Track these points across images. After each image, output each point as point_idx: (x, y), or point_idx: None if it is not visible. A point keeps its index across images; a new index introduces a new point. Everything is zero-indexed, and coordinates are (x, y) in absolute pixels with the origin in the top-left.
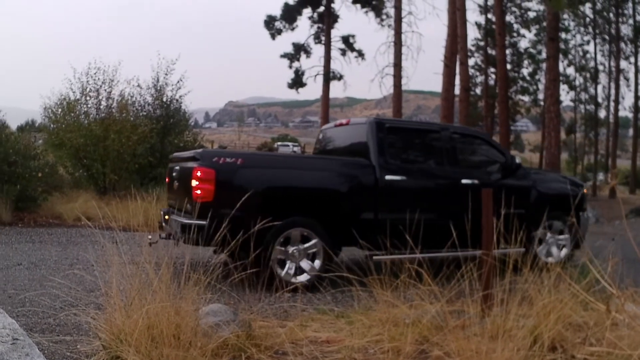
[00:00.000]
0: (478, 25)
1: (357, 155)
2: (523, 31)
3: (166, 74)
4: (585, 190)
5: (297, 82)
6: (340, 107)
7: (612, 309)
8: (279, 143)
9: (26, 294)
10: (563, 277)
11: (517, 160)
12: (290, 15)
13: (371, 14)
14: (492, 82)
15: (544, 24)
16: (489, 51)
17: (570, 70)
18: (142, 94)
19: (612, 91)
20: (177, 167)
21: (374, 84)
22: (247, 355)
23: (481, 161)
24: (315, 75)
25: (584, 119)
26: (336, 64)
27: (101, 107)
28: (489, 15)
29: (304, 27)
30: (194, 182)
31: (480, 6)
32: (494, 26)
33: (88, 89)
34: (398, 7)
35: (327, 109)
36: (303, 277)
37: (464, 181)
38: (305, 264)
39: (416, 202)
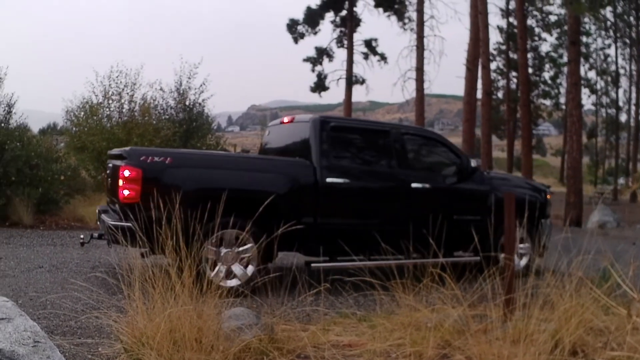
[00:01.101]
0: (500, 29)
1: (300, 155)
2: (544, 35)
3: (189, 78)
4: (548, 196)
5: (320, 86)
6: (363, 111)
7: (633, 314)
8: None
9: (47, 297)
10: (584, 282)
11: (473, 164)
12: (312, 19)
13: (393, 18)
14: (513, 86)
15: (565, 27)
16: (511, 55)
17: (592, 74)
18: (165, 97)
19: (633, 95)
20: (110, 165)
21: (397, 87)
22: (269, 359)
23: (435, 164)
24: (338, 79)
25: (605, 123)
26: (358, 68)
27: (123, 110)
28: (511, 19)
29: (327, 31)
30: (120, 182)
31: (501, 10)
32: (515, 30)
33: (110, 92)
34: (420, 11)
35: (350, 113)
36: (233, 282)
37: (414, 185)
38: (237, 268)
39: (360, 207)
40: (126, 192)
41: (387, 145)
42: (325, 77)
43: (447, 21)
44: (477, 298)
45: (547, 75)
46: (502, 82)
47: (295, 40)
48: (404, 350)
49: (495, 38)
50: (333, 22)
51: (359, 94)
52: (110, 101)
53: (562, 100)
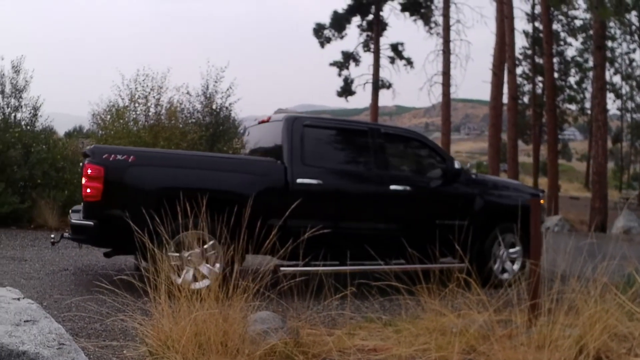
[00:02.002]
0: (525, 33)
1: (275, 156)
2: (570, 39)
3: (216, 82)
4: (542, 201)
5: (346, 90)
6: (389, 116)
7: None
8: None
9: (73, 299)
10: (609, 287)
11: (457, 166)
12: (339, 23)
13: (420, 22)
14: (539, 91)
15: (591, 32)
16: (537, 60)
17: (617, 79)
18: (192, 101)
19: None
20: (81, 164)
21: (423, 92)
22: None
23: (416, 165)
24: (365, 84)
25: (630, 128)
26: (385, 72)
27: (150, 113)
28: (536, 24)
29: (353, 36)
30: (83, 180)
31: (527, 14)
32: (541, 34)
33: (137, 96)
34: (446, 15)
35: (376, 117)
36: (204, 283)
37: (392, 187)
38: (205, 268)
39: (333, 209)
40: (88, 190)
41: (365, 145)
42: (352, 81)
43: (473, 25)
44: (502, 303)
45: (572, 80)
46: (528, 87)
47: (322, 45)
48: (429, 355)
49: (521, 42)
50: (359, 26)
51: (386, 99)
52: (137, 104)
53: (588, 105)
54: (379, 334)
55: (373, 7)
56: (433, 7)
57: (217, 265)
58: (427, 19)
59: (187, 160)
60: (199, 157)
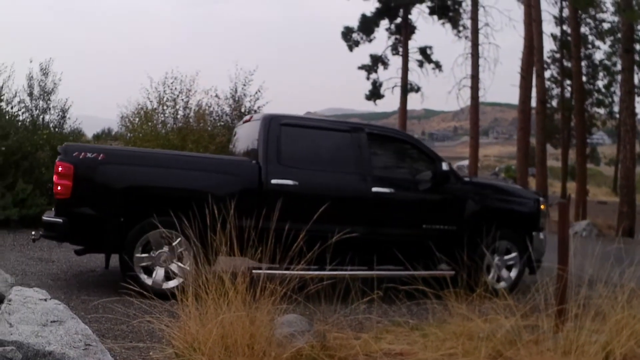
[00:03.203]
0: (554, 37)
1: (253, 155)
2: (598, 43)
3: (244, 85)
4: (542, 207)
5: (375, 93)
6: (418, 119)
7: None
8: None
9: (100, 300)
10: (636, 293)
11: (445, 168)
12: (367, 26)
13: (448, 26)
14: (568, 95)
15: (619, 35)
16: (565, 63)
17: None
18: (220, 104)
19: None
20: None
21: (451, 95)
22: None
23: (402, 167)
24: (393, 87)
25: None
26: (413, 76)
27: (178, 116)
28: (564, 27)
29: (382, 39)
30: (54, 178)
31: (555, 18)
32: (569, 38)
33: (165, 99)
34: (475, 19)
35: (405, 121)
36: (174, 282)
37: (375, 189)
38: (175, 267)
39: (310, 212)
40: (59, 188)
41: (347, 145)
42: (381, 84)
43: (501, 29)
44: (529, 308)
45: (601, 83)
46: (556, 91)
47: (350, 48)
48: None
49: (549, 46)
50: (388, 29)
51: (414, 102)
52: (165, 107)
53: (616, 109)
54: (405, 338)
55: (401, 10)
56: (461, 11)
57: (189, 262)
58: (455, 22)
59: (158, 159)
60: (169, 156)
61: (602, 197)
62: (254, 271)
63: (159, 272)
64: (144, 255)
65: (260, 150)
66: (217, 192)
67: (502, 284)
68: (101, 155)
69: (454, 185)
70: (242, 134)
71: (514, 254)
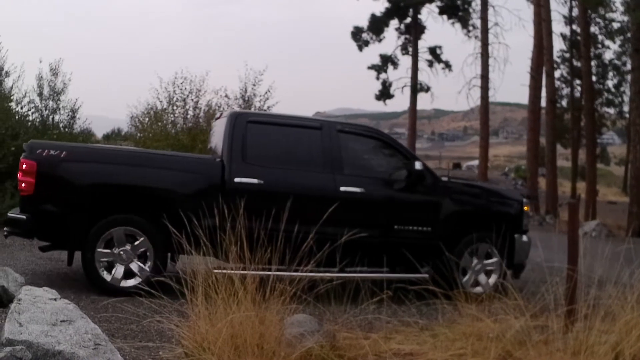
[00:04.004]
0: (563, 36)
1: (219, 153)
2: (608, 42)
3: (254, 85)
4: (526, 208)
5: (385, 93)
6: (428, 119)
7: None
8: None
9: (109, 300)
10: None
11: (419, 167)
12: (377, 26)
13: (458, 25)
14: (577, 94)
15: (629, 35)
16: (575, 63)
17: None
18: (230, 104)
19: None
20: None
21: (461, 95)
22: None
23: (374, 166)
24: (403, 87)
25: None
26: (423, 76)
27: (188, 116)
28: (574, 27)
29: (391, 39)
30: (19, 175)
31: (565, 17)
32: (579, 37)
33: (175, 99)
34: (484, 18)
35: (415, 120)
36: (132, 281)
37: (343, 189)
38: (135, 266)
39: (274, 211)
40: (23, 185)
41: (317, 143)
42: (390, 84)
43: (511, 29)
44: (539, 309)
45: (610, 83)
46: (566, 90)
47: (360, 48)
48: None
49: (559, 46)
50: (397, 29)
51: (424, 102)
52: (175, 107)
53: (626, 108)
54: (415, 339)
55: (411, 10)
56: (471, 10)
57: (149, 263)
58: (465, 22)
59: (120, 156)
60: (131, 154)
61: (612, 197)
62: (215, 271)
63: (119, 270)
64: (105, 250)
65: (225, 148)
66: (179, 190)
67: (479, 289)
68: (64, 152)
69: (430, 184)
70: (214, 132)
71: (494, 259)
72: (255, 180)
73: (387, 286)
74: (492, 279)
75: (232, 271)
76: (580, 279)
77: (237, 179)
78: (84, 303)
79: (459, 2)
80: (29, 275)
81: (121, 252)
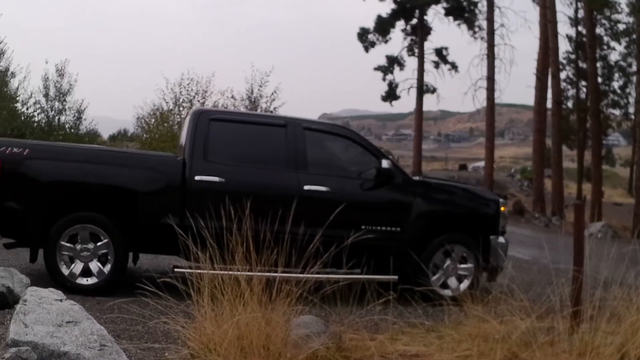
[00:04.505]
0: (569, 38)
1: (183, 151)
2: (613, 44)
3: (260, 86)
4: (502, 208)
5: (391, 94)
6: (434, 120)
7: None
8: None
9: (115, 301)
10: None
11: (386, 165)
12: (383, 27)
13: (464, 26)
14: (583, 96)
15: (634, 36)
16: (580, 64)
17: None
18: (236, 105)
19: None
20: None
21: (467, 97)
22: None
23: (341, 164)
24: (409, 88)
25: None
26: (429, 77)
27: None
28: (580, 28)
29: (397, 40)
30: None
31: (570, 19)
32: (584, 39)
33: (181, 100)
34: (490, 20)
35: (421, 122)
36: (88, 281)
37: (307, 187)
38: (94, 265)
39: (235, 209)
40: None
41: (282, 141)
42: (396, 86)
43: (517, 30)
44: (545, 310)
45: (616, 84)
46: (572, 92)
47: (366, 49)
48: None
49: (564, 47)
50: (404, 30)
51: (430, 103)
52: (181, 108)
53: (632, 110)
54: (421, 340)
55: (417, 11)
56: (477, 11)
57: (108, 266)
58: (471, 23)
59: (83, 154)
60: (95, 152)
61: (617, 198)
62: (175, 270)
63: (77, 266)
64: (68, 244)
65: (186, 145)
66: (140, 189)
67: (447, 292)
68: (27, 150)
69: (399, 184)
70: (183, 129)
71: (469, 265)
72: (216, 179)
73: (393, 287)
74: (464, 285)
75: (196, 270)
76: (586, 281)
77: (197, 177)
78: (89, 304)
79: (465, 4)
80: (35, 276)
81: (83, 250)
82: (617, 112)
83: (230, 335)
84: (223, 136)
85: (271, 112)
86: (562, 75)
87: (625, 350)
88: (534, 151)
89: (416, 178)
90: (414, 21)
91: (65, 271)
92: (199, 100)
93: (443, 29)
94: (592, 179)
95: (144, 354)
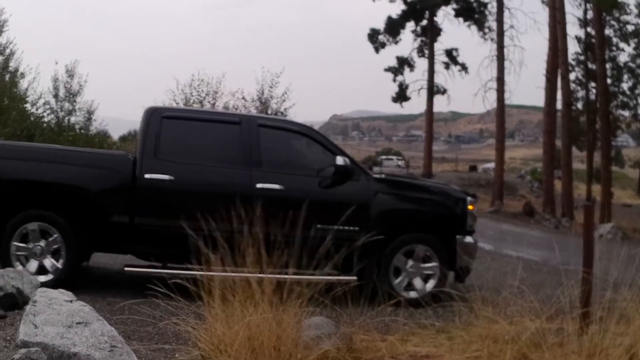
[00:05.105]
0: (578, 39)
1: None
2: (622, 45)
3: (271, 87)
4: (470, 207)
5: (401, 96)
6: (444, 121)
7: None
8: (383, 157)
9: (126, 302)
10: None
11: (340, 162)
12: (393, 28)
13: (474, 28)
14: (592, 97)
15: None
16: (590, 65)
17: None
18: (247, 106)
19: None
20: None
21: (478, 98)
22: None
23: (297, 162)
24: (419, 89)
25: None
26: (440, 78)
27: None
28: (589, 29)
29: (408, 41)
30: None
31: (579, 20)
32: (593, 40)
33: (192, 101)
34: (500, 21)
35: (431, 123)
36: (44, 278)
37: (259, 185)
38: (48, 262)
39: (185, 208)
40: None
41: (234, 139)
42: (407, 87)
43: (526, 31)
44: (554, 311)
45: (625, 85)
46: (581, 93)
47: (376, 50)
48: None
49: (574, 48)
50: (414, 31)
51: (441, 104)
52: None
53: None
54: (431, 341)
55: (427, 12)
56: (487, 13)
57: (61, 261)
58: (480, 25)
59: (33, 152)
60: (45, 150)
61: (626, 199)
62: (126, 269)
63: (32, 264)
64: (21, 244)
65: (138, 143)
66: (89, 187)
67: (413, 294)
68: None
69: (358, 181)
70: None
71: (433, 264)
72: (166, 177)
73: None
74: (430, 285)
75: (148, 270)
76: (596, 282)
77: (147, 175)
78: (100, 305)
79: (474, 5)
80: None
81: (36, 248)
82: (626, 113)
83: (241, 336)
84: (176, 134)
85: (282, 113)
86: (572, 76)
87: (634, 351)
88: (544, 152)
89: (378, 175)
90: (424, 22)
91: (22, 269)
92: (209, 101)
93: (453, 30)
94: (601, 180)
95: (155, 355)
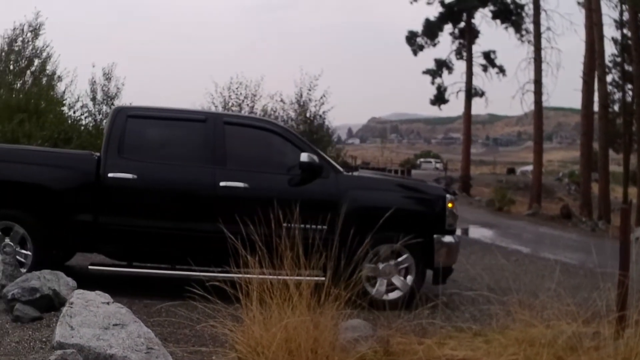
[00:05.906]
0: (614, 40)
1: None
2: None
3: (309, 90)
4: (450, 205)
5: (440, 98)
6: (482, 124)
7: None
8: (422, 159)
9: (163, 304)
10: None
11: (306, 159)
12: (431, 31)
13: (511, 30)
14: (629, 99)
15: None
16: (626, 67)
17: None
18: (285, 109)
19: None
20: None
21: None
22: None
23: (264, 160)
24: (457, 92)
25: None
26: (477, 80)
27: None
28: (625, 30)
29: (446, 43)
30: None
31: (615, 21)
32: (629, 41)
33: (230, 104)
34: (537, 23)
35: (469, 125)
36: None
37: (223, 184)
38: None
39: (148, 207)
40: None
41: (198, 137)
42: (445, 89)
43: (563, 33)
44: (590, 314)
45: None
46: (618, 95)
47: (415, 53)
48: None
49: (610, 50)
50: (452, 33)
51: (478, 107)
52: (231, 112)
53: None
54: (468, 344)
55: (464, 14)
56: (524, 15)
57: (29, 254)
58: (518, 27)
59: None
60: (9, 150)
61: None
62: (90, 267)
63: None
64: None
65: (103, 142)
66: (54, 186)
67: (395, 294)
68: None
69: (328, 178)
70: None
71: (405, 256)
72: (129, 175)
73: (442, 292)
74: (410, 278)
75: (111, 269)
76: (632, 285)
77: (110, 174)
78: (136, 307)
79: (512, 7)
80: (81, 279)
81: (6, 246)
82: None
83: (278, 338)
84: (141, 133)
85: (320, 116)
86: (609, 78)
87: None
88: (581, 155)
89: (351, 173)
90: (462, 24)
91: None
92: (247, 104)
93: (490, 33)
94: (637, 183)
95: (191, 357)
